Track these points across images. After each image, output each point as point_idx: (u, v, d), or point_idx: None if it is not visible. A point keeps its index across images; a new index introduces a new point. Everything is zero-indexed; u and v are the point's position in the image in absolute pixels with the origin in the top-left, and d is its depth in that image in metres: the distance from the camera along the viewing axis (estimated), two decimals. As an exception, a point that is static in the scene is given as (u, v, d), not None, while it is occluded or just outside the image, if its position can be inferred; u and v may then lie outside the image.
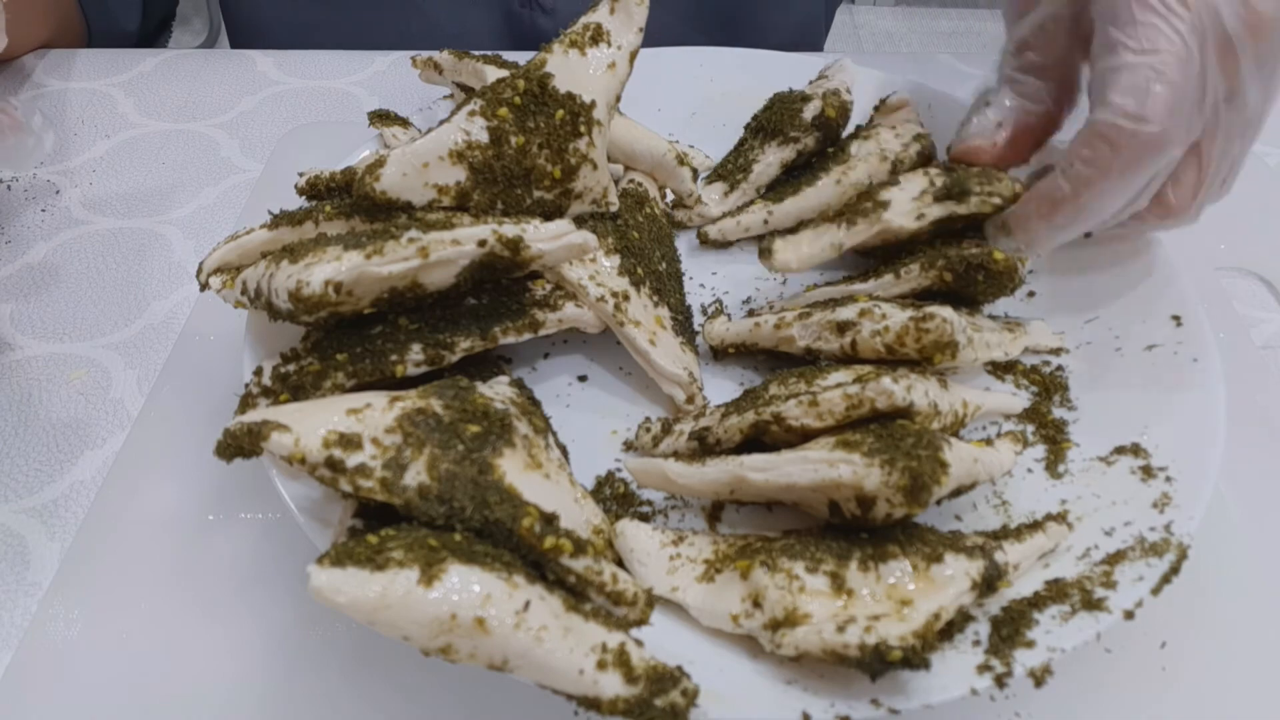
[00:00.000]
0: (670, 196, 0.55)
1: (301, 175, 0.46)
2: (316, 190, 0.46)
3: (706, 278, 0.53)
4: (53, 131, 0.59)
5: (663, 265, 0.49)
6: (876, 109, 0.57)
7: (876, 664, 0.31)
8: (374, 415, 0.34)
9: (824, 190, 0.52)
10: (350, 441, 0.32)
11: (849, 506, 0.36)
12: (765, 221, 0.53)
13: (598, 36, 0.46)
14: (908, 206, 0.46)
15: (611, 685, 0.30)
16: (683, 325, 0.48)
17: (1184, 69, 0.39)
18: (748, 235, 0.54)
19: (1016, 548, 0.37)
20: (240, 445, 0.32)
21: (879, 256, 0.49)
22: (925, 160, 0.51)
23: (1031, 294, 0.50)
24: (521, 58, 0.58)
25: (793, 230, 0.48)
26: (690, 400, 0.45)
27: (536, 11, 0.79)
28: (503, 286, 0.43)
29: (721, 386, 0.47)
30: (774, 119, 0.55)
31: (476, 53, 0.54)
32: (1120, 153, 0.40)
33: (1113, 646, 0.37)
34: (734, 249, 0.55)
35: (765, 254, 0.48)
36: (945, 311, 0.42)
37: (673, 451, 0.43)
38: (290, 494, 0.36)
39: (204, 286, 0.43)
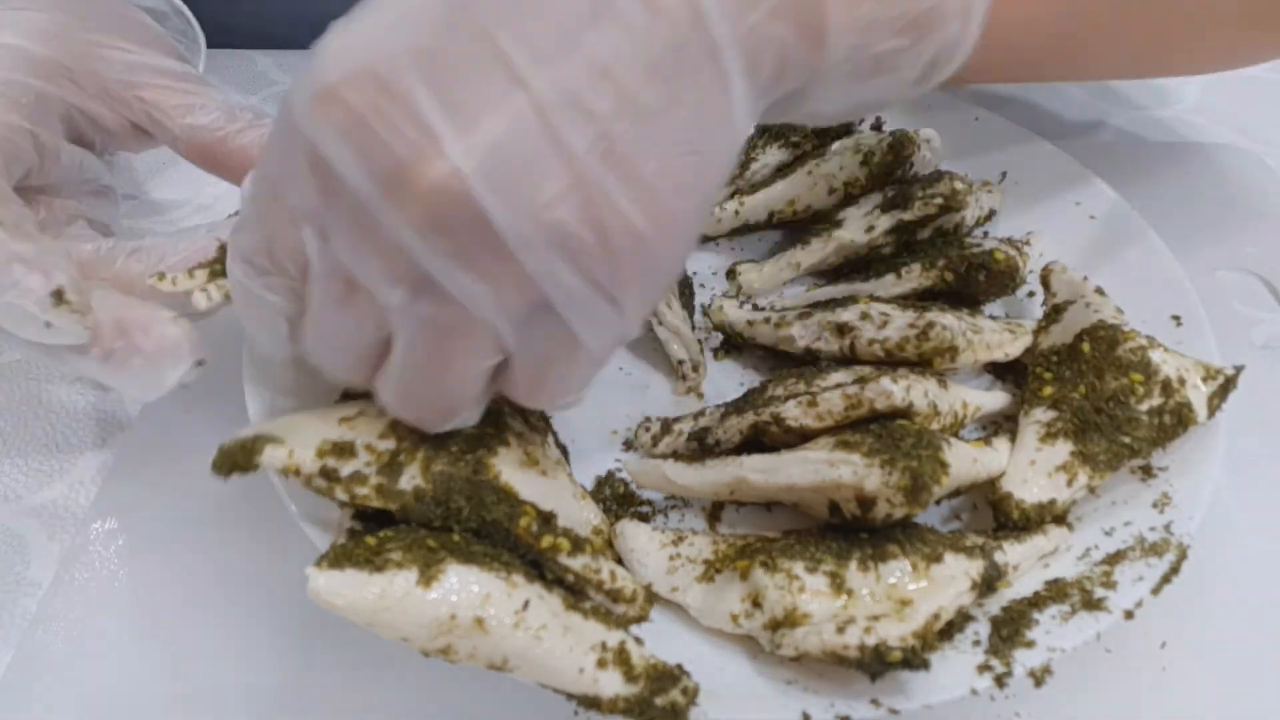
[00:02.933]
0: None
1: None
2: None
3: (708, 278, 0.53)
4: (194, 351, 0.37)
5: None
6: None
7: (876, 664, 0.31)
8: (366, 421, 0.34)
9: (796, 182, 0.52)
10: (344, 449, 0.32)
11: (849, 507, 0.36)
12: (736, 213, 0.53)
13: None
14: (859, 221, 0.49)
15: (611, 684, 0.30)
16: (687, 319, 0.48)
17: None
18: (720, 227, 0.54)
19: (1016, 548, 0.37)
20: (236, 460, 0.32)
21: (845, 273, 0.51)
22: (896, 154, 0.51)
23: (1031, 294, 0.50)
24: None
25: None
26: (695, 369, 0.46)
27: None
28: None
29: (721, 386, 0.47)
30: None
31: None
32: None
33: (1113, 646, 0.37)
34: (736, 250, 0.54)
35: (731, 276, 0.51)
36: (945, 319, 0.42)
37: (672, 451, 0.43)
38: (290, 493, 0.36)
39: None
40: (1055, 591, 0.36)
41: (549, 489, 0.36)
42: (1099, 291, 0.44)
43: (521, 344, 0.29)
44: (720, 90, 0.27)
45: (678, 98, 0.26)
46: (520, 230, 0.25)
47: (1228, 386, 0.40)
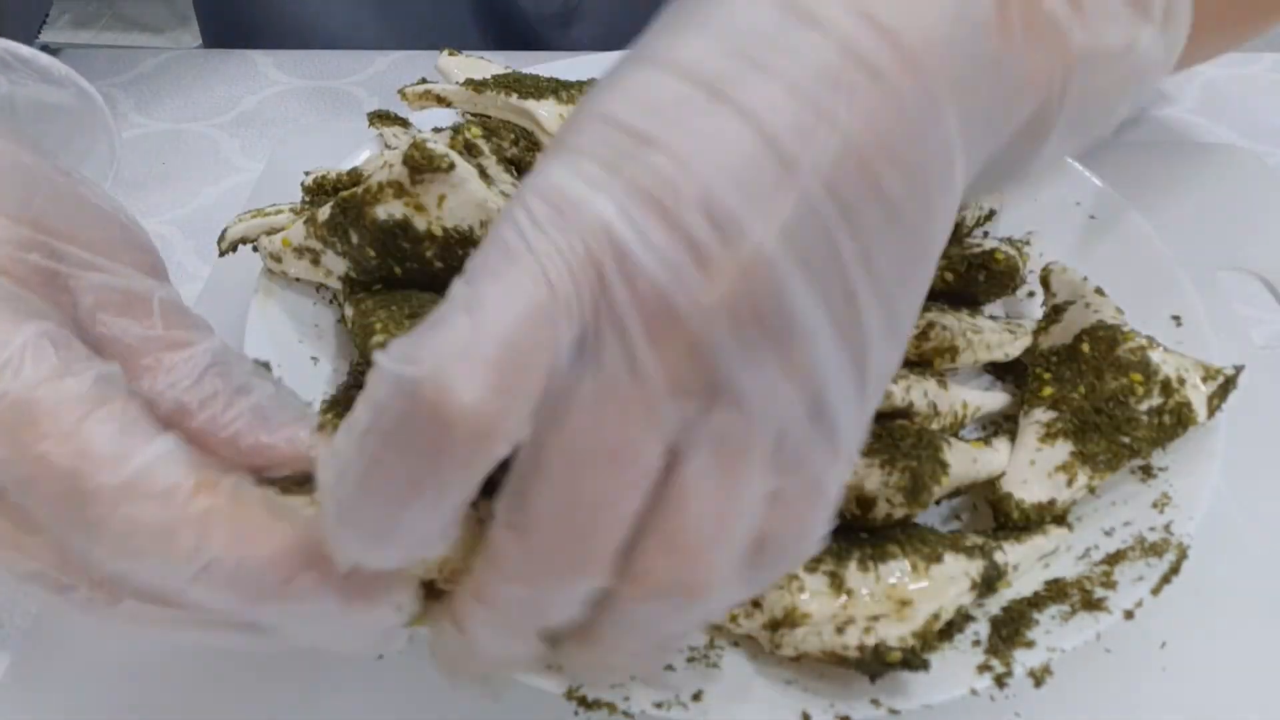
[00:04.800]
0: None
1: (308, 174, 0.46)
2: (323, 190, 0.46)
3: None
4: None
5: None
6: None
7: (876, 665, 0.31)
8: None
9: None
10: None
11: (848, 507, 0.36)
12: None
13: None
14: None
15: None
16: None
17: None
18: None
19: (1016, 548, 0.37)
20: None
21: None
22: None
23: (1031, 294, 0.50)
24: (514, 57, 0.58)
25: None
26: None
27: None
28: None
29: (721, 386, 0.47)
30: None
31: (473, 52, 0.54)
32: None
33: (1113, 646, 0.37)
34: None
35: None
36: (945, 319, 0.42)
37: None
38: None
39: (224, 252, 0.44)
40: (1055, 591, 0.36)
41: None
42: (1099, 291, 0.44)
43: (797, 459, 0.24)
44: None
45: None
46: (818, 313, 0.22)
47: (1228, 386, 0.40)
